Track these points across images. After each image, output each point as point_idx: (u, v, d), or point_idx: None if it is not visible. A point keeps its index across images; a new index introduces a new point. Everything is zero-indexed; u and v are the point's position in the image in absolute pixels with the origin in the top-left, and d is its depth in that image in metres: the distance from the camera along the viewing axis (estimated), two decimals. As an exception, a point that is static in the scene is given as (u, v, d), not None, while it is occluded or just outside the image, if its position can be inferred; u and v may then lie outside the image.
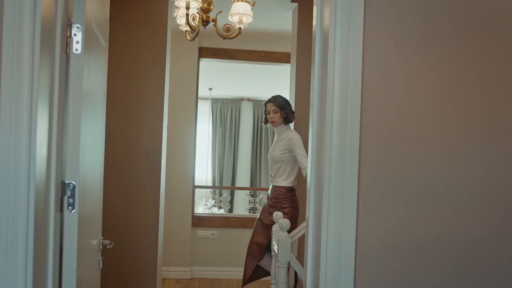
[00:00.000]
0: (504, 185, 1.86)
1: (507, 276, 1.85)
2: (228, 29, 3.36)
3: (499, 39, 1.86)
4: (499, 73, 1.86)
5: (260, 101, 9.80)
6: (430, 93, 1.84)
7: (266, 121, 4.22)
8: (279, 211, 3.80)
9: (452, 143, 1.84)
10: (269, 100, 4.09)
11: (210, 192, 8.86)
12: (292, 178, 4.00)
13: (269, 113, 4.06)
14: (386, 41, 1.81)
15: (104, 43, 2.40)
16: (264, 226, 4.02)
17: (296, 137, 3.96)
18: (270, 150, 4.18)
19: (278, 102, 4.03)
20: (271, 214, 3.87)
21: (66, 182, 1.84)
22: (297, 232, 3.71)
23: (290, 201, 3.95)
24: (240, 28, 3.36)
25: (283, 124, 4.07)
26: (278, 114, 4.02)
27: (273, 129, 4.30)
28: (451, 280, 1.84)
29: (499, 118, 1.86)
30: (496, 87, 1.86)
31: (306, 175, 3.61)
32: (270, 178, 4.17)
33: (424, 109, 1.83)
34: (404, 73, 1.82)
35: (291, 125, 4.30)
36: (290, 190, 3.99)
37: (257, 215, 7.00)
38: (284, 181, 3.97)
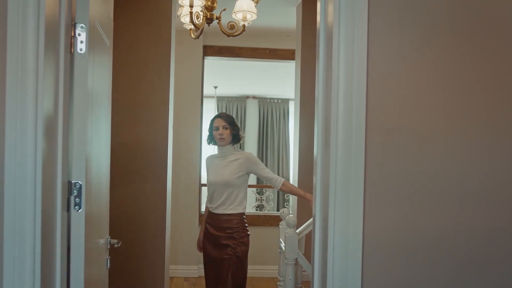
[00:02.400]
0: (510, 179, 1.84)
1: (508, 270, 1.84)
2: (232, 27, 3.35)
3: (500, 36, 1.85)
4: (501, 69, 1.84)
5: (266, 98, 9.79)
6: (435, 89, 1.82)
7: (211, 140, 3.59)
8: (237, 241, 3.40)
9: (457, 139, 1.83)
10: (218, 116, 3.56)
11: (217, 190, 8.85)
12: (245, 202, 3.52)
13: (217, 129, 3.48)
14: (390, 36, 1.80)
15: (108, 42, 2.41)
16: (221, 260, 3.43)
17: (254, 156, 3.56)
18: (213, 175, 3.52)
19: (229, 118, 3.53)
20: (226, 246, 3.40)
21: (73, 181, 1.84)
22: (304, 229, 3.71)
23: (245, 229, 3.48)
24: (244, 26, 3.35)
25: (231, 144, 3.53)
26: (228, 130, 3.48)
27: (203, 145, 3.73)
28: (459, 276, 1.83)
29: (503, 113, 1.85)
30: (499, 82, 1.84)
31: (283, 184, 3.49)
32: (213, 206, 3.49)
33: (429, 105, 1.82)
34: (408, 69, 1.81)
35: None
36: (244, 216, 3.50)
37: (264, 212, 7.03)
38: (239, 207, 3.45)
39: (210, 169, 3.58)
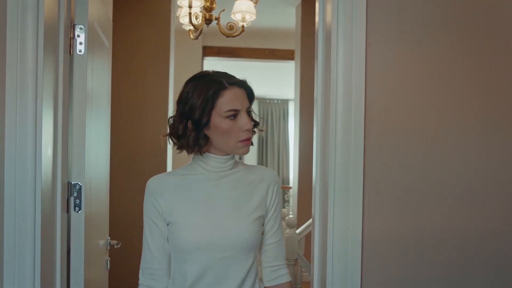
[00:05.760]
0: (508, 180, 1.85)
1: (509, 268, 1.85)
2: (231, 27, 3.36)
3: (497, 36, 1.85)
4: (497, 69, 1.85)
5: (265, 99, 9.79)
6: (433, 89, 1.83)
7: (194, 143, 1.44)
8: None
9: (455, 139, 1.83)
10: (235, 82, 1.44)
11: (217, 190, 8.84)
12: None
13: (234, 117, 1.42)
14: (388, 36, 1.80)
15: (108, 43, 2.41)
16: None
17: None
18: (209, 227, 1.43)
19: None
20: None
21: (72, 182, 1.85)
22: (304, 229, 3.71)
23: None
24: (243, 26, 3.35)
25: None
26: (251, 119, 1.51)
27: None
28: (457, 274, 1.83)
29: (500, 114, 1.85)
30: (496, 82, 1.85)
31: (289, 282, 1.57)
32: None
33: (427, 105, 1.82)
34: (407, 69, 1.81)
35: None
36: None
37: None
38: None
39: (185, 211, 1.46)
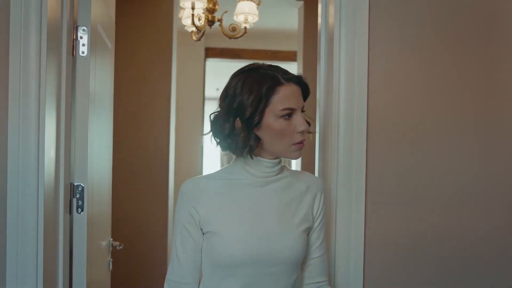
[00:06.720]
0: (508, 181, 1.85)
1: (509, 269, 1.85)
2: (233, 29, 3.36)
3: (498, 38, 1.85)
4: (501, 72, 1.85)
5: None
6: (436, 90, 1.82)
7: (244, 144, 1.27)
8: None
9: (458, 141, 1.83)
10: (291, 78, 1.32)
11: (219, 192, 8.83)
12: None
13: (288, 116, 1.28)
14: (391, 37, 1.80)
15: (110, 45, 2.41)
16: None
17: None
18: (258, 237, 1.29)
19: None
20: None
21: (75, 184, 1.85)
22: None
23: None
24: (245, 28, 3.36)
25: None
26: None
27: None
28: (459, 274, 1.83)
29: (503, 114, 1.85)
30: (497, 83, 1.85)
31: None
32: None
33: (430, 107, 1.82)
34: (410, 70, 1.81)
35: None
36: None
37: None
38: None
39: (227, 221, 1.31)
